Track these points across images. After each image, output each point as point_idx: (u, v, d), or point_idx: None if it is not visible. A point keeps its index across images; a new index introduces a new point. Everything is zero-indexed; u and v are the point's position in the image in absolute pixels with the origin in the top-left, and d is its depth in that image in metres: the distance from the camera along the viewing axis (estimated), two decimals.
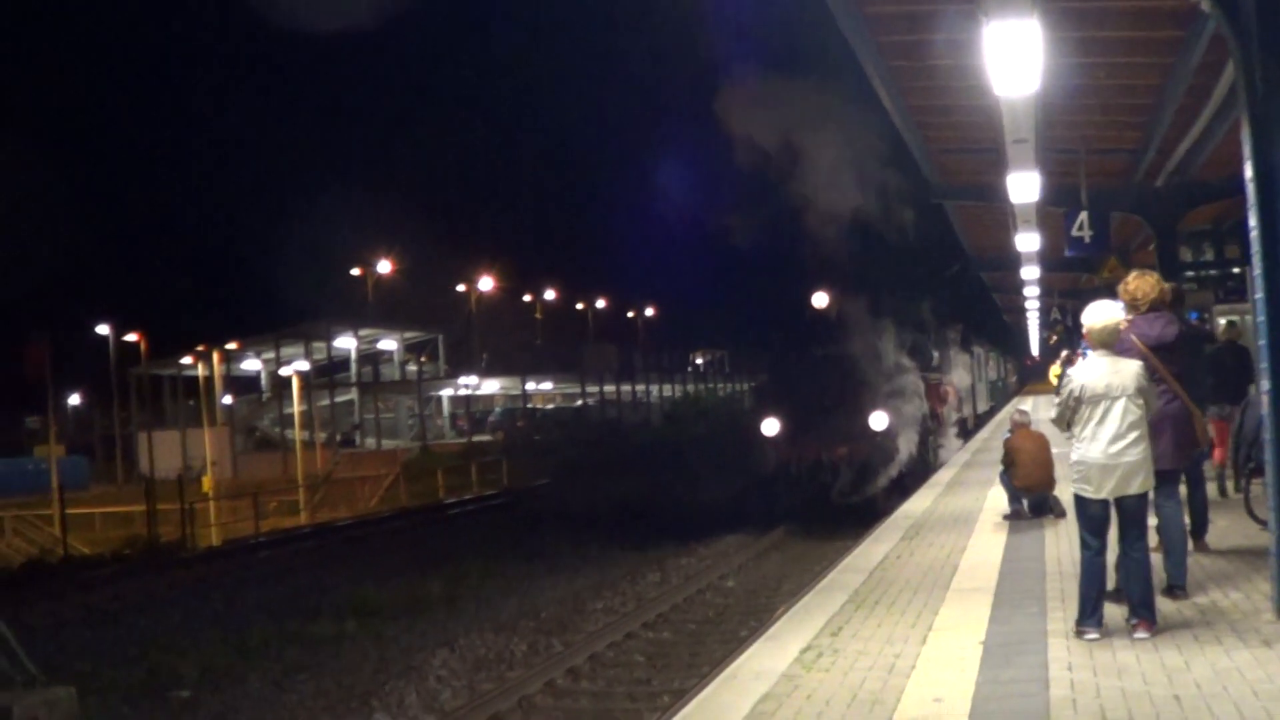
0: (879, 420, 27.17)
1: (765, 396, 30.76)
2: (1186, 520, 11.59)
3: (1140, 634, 9.49)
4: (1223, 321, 23.38)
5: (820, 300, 28.09)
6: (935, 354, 35.37)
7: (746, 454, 29.08)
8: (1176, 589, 10.71)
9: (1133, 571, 9.68)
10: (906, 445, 28.56)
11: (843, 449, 26.88)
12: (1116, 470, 9.48)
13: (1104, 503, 9.60)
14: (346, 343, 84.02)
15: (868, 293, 29.25)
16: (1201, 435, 11.03)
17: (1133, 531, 9.68)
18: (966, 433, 42.18)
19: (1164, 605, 10.07)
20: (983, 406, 53.13)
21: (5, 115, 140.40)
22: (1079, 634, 9.59)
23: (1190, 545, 11.53)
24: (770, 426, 27.66)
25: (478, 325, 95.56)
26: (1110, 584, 10.00)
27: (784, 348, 30.38)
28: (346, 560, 30.41)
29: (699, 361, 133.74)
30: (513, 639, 17.96)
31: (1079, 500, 9.76)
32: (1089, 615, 9.63)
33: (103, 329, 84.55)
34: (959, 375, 40.83)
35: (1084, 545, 9.74)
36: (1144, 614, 9.60)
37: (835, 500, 26.66)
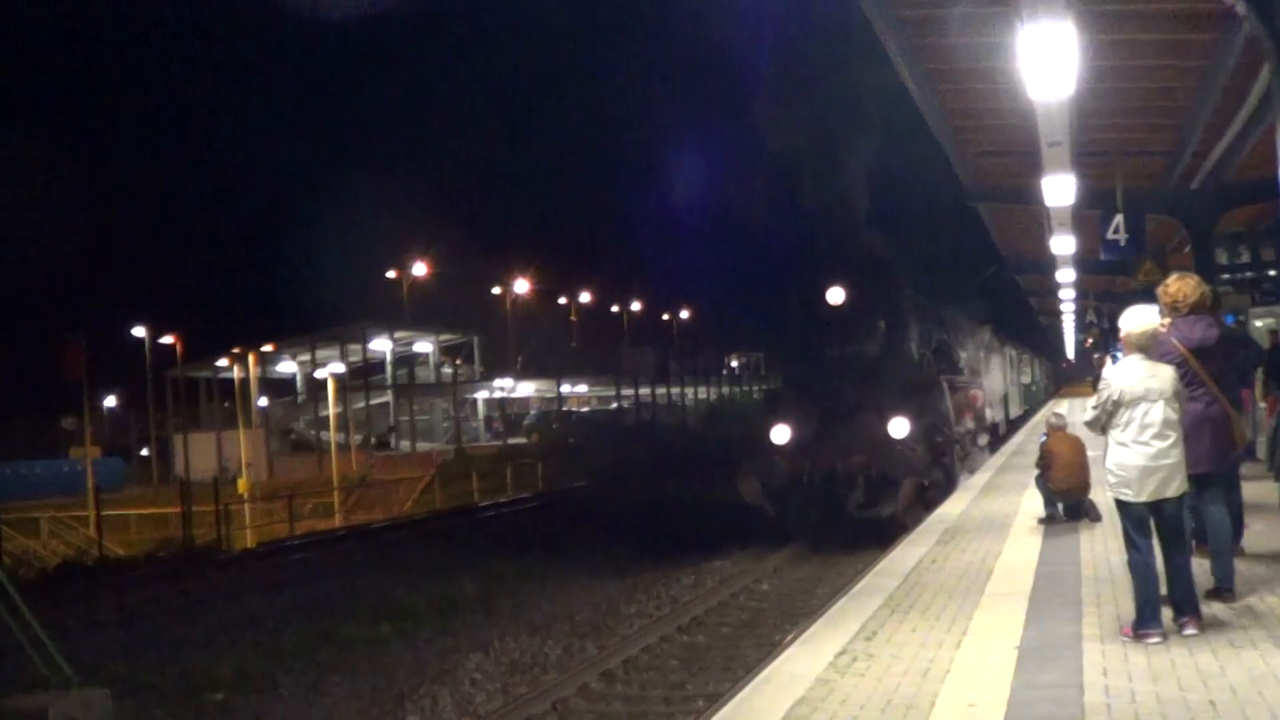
0: (899, 427, 24.97)
1: (776, 401, 28.49)
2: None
3: (1190, 630, 9.51)
4: (1259, 324, 23.27)
5: (836, 296, 25.89)
6: (962, 355, 34.58)
7: (757, 464, 26.25)
8: (1224, 590, 10.66)
9: (1176, 576, 9.69)
10: (929, 454, 26.25)
11: (859, 458, 24.71)
12: (1157, 473, 9.46)
13: (1145, 504, 9.57)
14: (382, 345, 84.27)
15: (889, 289, 27.31)
16: (1239, 437, 10.99)
17: (1173, 536, 9.66)
18: (997, 439, 40.37)
19: (1201, 609, 10.01)
20: (1015, 411, 51.97)
21: (43, 115, 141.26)
22: (1141, 638, 9.51)
23: None
24: (780, 434, 25.38)
25: (513, 327, 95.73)
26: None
27: (797, 348, 28.23)
28: (381, 563, 30.49)
29: (734, 364, 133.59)
30: (547, 642, 17.96)
31: (1121, 505, 9.73)
32: (1150, 619, 9.59)
33: (139, 331, 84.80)
34: (989, 379, 39.97)
35: (1133, 547, 9.69)
36: (1191, 611, 9.64)
37: (852, 514, 24.62)
